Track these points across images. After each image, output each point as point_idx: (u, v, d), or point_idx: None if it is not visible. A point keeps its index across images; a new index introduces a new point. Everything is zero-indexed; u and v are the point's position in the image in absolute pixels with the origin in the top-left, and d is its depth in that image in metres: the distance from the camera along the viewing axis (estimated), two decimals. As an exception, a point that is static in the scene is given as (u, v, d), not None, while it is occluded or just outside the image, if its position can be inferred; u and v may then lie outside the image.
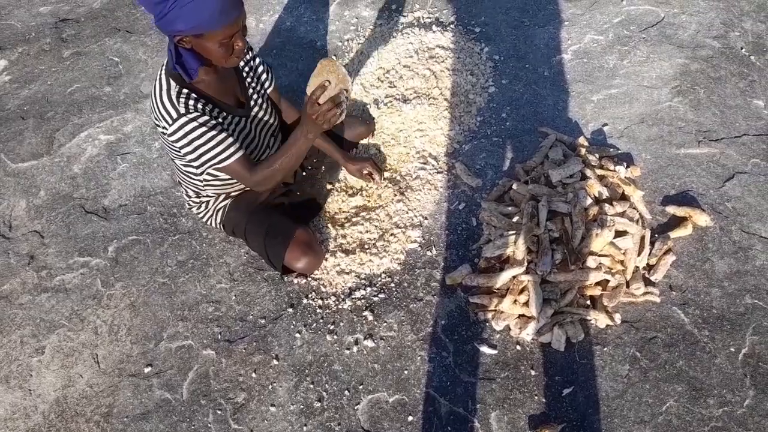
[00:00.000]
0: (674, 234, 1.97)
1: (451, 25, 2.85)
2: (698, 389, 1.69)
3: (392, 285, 2.02)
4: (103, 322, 2.06)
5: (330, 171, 2.38)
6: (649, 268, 1.92)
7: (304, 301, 2.02)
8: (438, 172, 2.29)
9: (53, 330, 2.06)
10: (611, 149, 2.23)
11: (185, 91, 1.71)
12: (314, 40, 2.95)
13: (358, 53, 2.82)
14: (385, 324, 1.93)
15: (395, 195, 2.23)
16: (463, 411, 1.74)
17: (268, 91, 2.05)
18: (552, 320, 1.82)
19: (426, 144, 2.36)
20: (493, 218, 2.05)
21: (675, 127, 2.30)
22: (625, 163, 2.14)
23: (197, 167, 1.79)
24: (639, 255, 1.90)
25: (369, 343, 1.90)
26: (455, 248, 2.08)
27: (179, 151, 1.77)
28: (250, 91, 1.93)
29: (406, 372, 1.83)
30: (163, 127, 1.72)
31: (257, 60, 1.99)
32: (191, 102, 1.70)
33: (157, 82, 1.73)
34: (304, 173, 2.38)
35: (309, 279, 2.07)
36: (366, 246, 2.12)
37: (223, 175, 1.92)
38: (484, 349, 1.84)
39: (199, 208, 2.11)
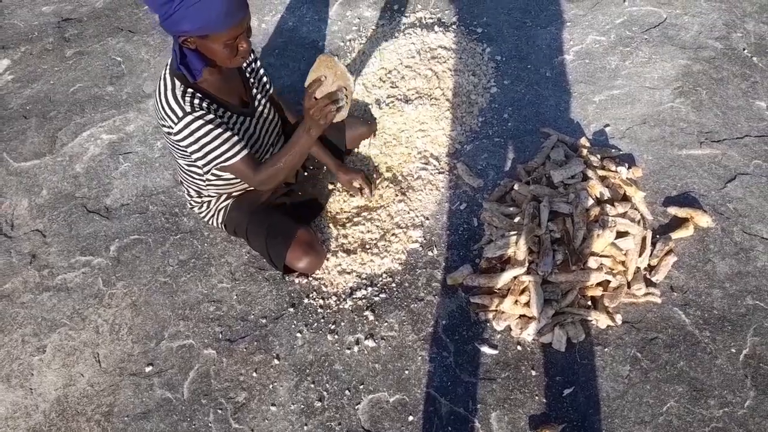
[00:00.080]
0: (675, 235, 1.97)
1: (453, 26, 2.85)
2: (699, 390, 1.69)
3: (393, 285, 2.02)
4: (104, 321, 2.06)
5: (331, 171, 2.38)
6: (651, 268, 1.92)
7: (305, 300, 2.03)
8: (439, 173, 2.29)
9: (54, 329, 2.06)
10: (613, 150, 2.23)
11: (190, 90, 1.71)
12: (316, 40, 2.95)
13: (360, 53, 2.82)
14: (386, 324, 1.94)
15: (397, 195, 2.23)
16: (464, 411, 1.74)
17: (270, 92, 2.05)
18: (553, 321, 1.82)
19: (428, 144, 2.36)
20: (494, 218, 2.05)
21: (677, 128, 2.30)
22: (626, 164, 2.14)
23: (202, 166, 1.79)
24: (640, 256, 1.90)
25: (370, 343, 1.90)
26: (456, 248, 2.08)
27: (185, 150, 1.77)
28: (254, 91, 1.94)
29: (406, 372, 1.83)
30: (169, 126, 1.72)
31: (258, 62, 2.00)
32: (196, 101, 1.71)
33: (162, 81, 1.73)
34: (305, 173, 2.39)
35: (310, 279, 2.07)
36: (367, 246, 2.12)
37: (225, 175, 1.92)
38: (485, 349, 1.84)
39: (200, 208, 2.11)
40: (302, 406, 1.80)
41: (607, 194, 2.01)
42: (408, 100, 2.49)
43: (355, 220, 2.19)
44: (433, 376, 1.81)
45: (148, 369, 1.93)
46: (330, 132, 2.26)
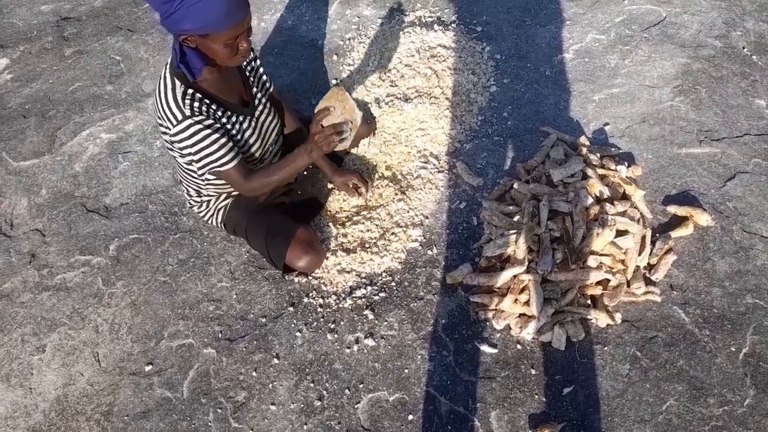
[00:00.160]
0: (675, 233, 1.97)
1: (453, 24, 2.85)
2: (699, 388, 1.69)
3: (393, 284, 2.02)
4: (104, 320, 2.06)
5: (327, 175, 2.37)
6: (650, 267, 1.92)
7: (305, 299, 2.03)
8: (439, 171, 2.29)
9: (54, 328, 2.06)
10: (612, 149, 2.23)
11: (190, 91, 1.71)
12: (316, 39, 2.95)
13: (360, 52, 2.82)
14: (385, 323, 1.94)
15: (396, 194, 2.23)
16: (464, 410, 1.74)
17: (269, 91, 2.05)
18: (552, 319, 1.82)
19: (427, 143, 2.36)
20: (494, 217, 2.05)
21: (676, 126, 2.30)
22: (626, 163, 2.14)
23: (197, 169, 1.79)
24: (640, 254, 1.90)
25: (369, 342, 1.90)
26: (456, 247, 2.08)
27: (180, 152, 1.77)
28: (254, 90, 1.93)
29: (406, 371, 1.83)
30: (166, 127, 1.72)
31: (258, 61, 2.00)
32: (196, 104, 1.71)
33: (162, 81, 1.73)
34: (305, 172, 2.39)
35: (310, 278, 2.07)
36: (367, 245, 2.12)
37: (224, 175, 1.92)
38: (485, 348, 1.84)
39: (200, 207, 2.11)
40: (302, 405, 1.80)
41: (606, 193, 2.01)
42: (407, 98, 2.49)
43: (355, 219, 2.19)
44: (433, 375, 1.81)
45: (147, 368, 1.93)
46: None
